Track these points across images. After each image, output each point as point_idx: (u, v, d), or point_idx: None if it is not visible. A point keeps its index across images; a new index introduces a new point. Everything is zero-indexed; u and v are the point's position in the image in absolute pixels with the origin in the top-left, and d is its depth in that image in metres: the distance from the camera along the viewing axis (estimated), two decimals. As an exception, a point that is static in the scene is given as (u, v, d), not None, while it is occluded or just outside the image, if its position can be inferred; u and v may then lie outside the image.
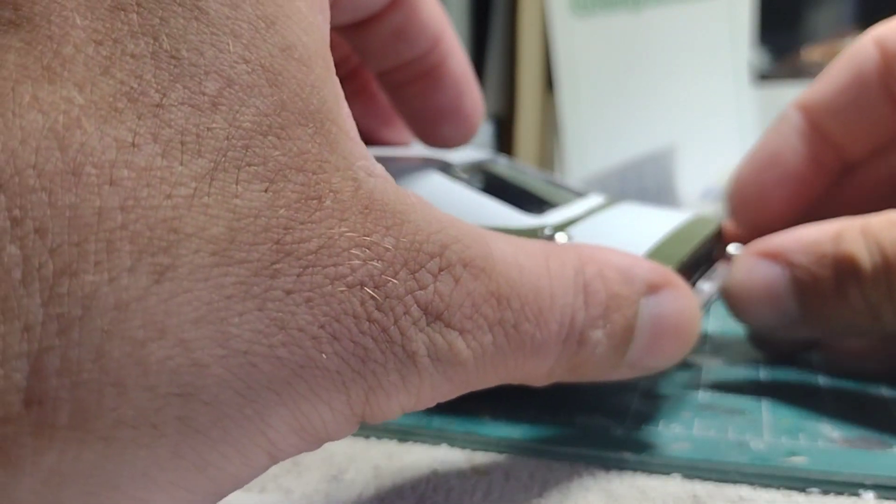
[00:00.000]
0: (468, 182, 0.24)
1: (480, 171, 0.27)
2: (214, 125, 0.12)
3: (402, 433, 0.22)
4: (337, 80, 0.15)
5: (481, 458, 0.21)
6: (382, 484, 0.20)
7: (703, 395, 0.24)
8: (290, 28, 0.14)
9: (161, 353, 0.11)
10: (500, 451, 0.21)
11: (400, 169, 0.25)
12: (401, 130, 0.28)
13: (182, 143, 0.12)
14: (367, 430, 0.23)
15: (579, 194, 0.28)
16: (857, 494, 0.19)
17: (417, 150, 0.29)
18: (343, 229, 0.13)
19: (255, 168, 0.13)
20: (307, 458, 0.21)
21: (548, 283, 0.17)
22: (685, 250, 0.22)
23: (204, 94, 0.12)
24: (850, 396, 0.24)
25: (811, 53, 0.98)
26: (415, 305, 0.14)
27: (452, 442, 0.22)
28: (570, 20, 0.51)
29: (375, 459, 0.21)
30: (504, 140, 0.59)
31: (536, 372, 0.18)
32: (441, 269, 0.15)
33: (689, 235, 0.24)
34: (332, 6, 0.18)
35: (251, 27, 0.13)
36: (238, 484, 0.13)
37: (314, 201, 0.13)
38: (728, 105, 0.59)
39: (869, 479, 0.19)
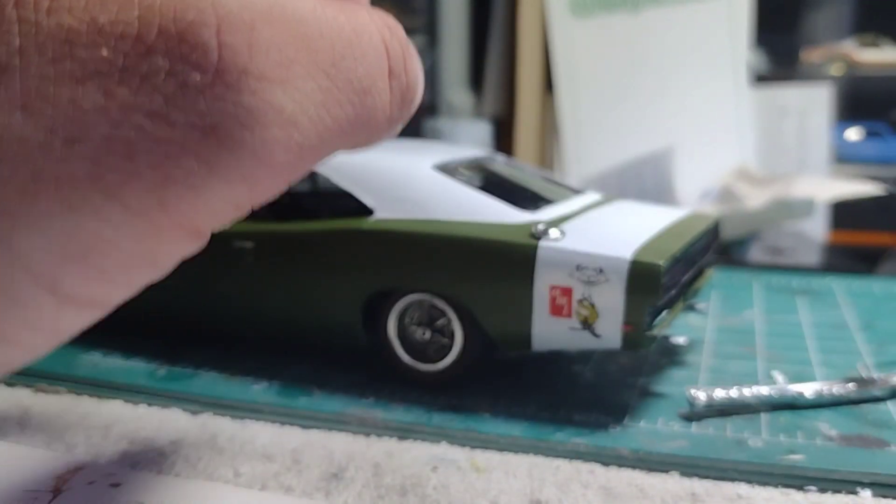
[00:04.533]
0: (465, 179, 0.25)
1: (478, 169, 0.27)
2: None
3: (402, 431, 0.22)
4: None
5: (481, 455, 0.21)
6: (382, 482, 0.20)
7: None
8: None
9: None
10: (499, 449, 0.21)
11: (398, 165, 0.25)
12: None
13: None
14: (367, 427, 0.23)
15: (576, 191, 0.28)
16: (854, 492, 0.19)
17: (423, 146, 0.29)
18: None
19: None
20: (307, 457, 0.21)
21: (346, 20, 0.15)
22: (679, 244, 0.22)
23: None
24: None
25: (810, 55, 0.99)
26: (189, 69, 0.12)
27: (452, 439, 0.22)
28: (570, 21, 0.51)
29: (375, 457, 0.21)
30: (503, 140, 0.59)
31: (377, 118, 0.15)
32: (222, 18, 0.12)
33: (683, 230, 0.24)
34: None
35: None
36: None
37: None
38: (727, 106, 0.59)
39: (866, 477, 0.19)
